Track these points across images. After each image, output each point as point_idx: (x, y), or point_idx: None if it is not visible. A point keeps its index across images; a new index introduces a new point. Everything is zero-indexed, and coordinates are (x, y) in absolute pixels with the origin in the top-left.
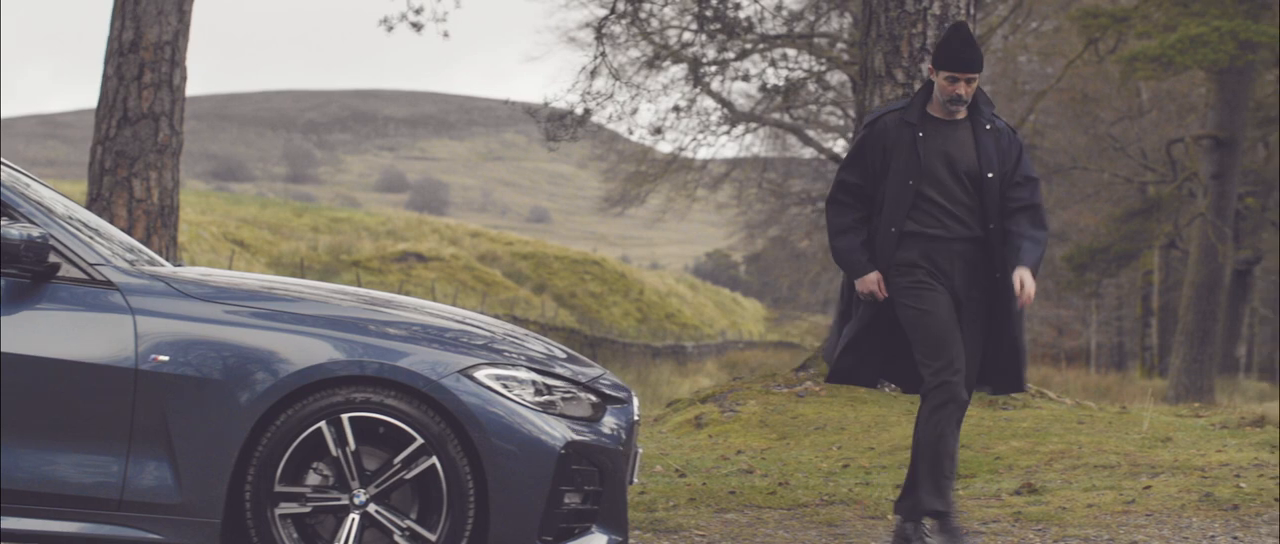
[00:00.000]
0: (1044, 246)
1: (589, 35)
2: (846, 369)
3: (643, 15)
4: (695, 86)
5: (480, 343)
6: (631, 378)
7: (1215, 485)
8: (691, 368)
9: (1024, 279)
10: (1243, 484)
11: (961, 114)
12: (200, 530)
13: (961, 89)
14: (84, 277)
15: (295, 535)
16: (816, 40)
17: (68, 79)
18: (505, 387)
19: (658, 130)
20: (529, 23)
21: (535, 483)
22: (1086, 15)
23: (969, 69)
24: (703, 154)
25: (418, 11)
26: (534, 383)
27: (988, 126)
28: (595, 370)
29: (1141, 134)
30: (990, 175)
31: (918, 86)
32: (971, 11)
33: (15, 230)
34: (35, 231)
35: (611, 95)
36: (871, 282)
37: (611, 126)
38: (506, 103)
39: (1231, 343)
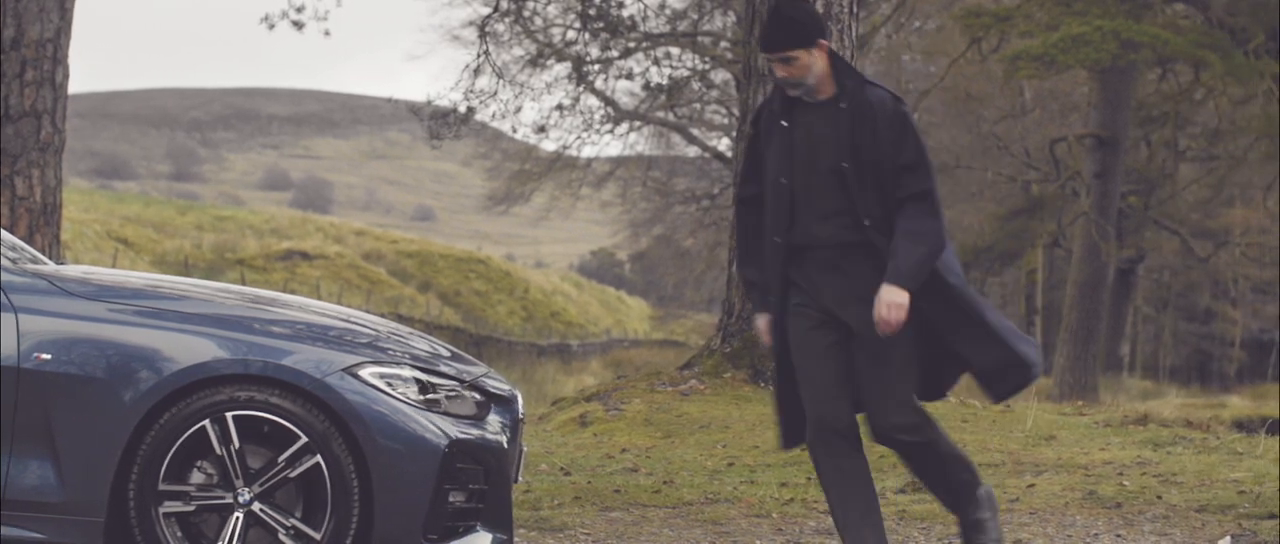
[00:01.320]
0: (929, 244)
1: (472, 33)
2: (793, 432)
3: (526, 14)
4: (579, 85)
5: (365, 341)
6: (517, 376)
7: (1099, 483)
8: (577, 366)
9: (886, 301)
10: (1126, 482)
11: (826, 93)
12: (84, 529)
13: (782, 71)
14: None
15: (179, 534)
16: (700, 39)
17: None
18: (389, 385)
19: (542, 129)
20: (412, 21)
21: (419, 481)
22: (970, 14)
23: (777, 48)
24: (587, 152)
25: (299, 10)
26: (418, 381)
27: (842, 105)
28: (480, 369)
29: (1025, 133)
30: (845, 165)
31: None
32: (854, 10)
33: None
34: None
35: (495, 94)
36: (760, 329)
37: (495, 125)
38: (390, 101)
39: (1115, 341)
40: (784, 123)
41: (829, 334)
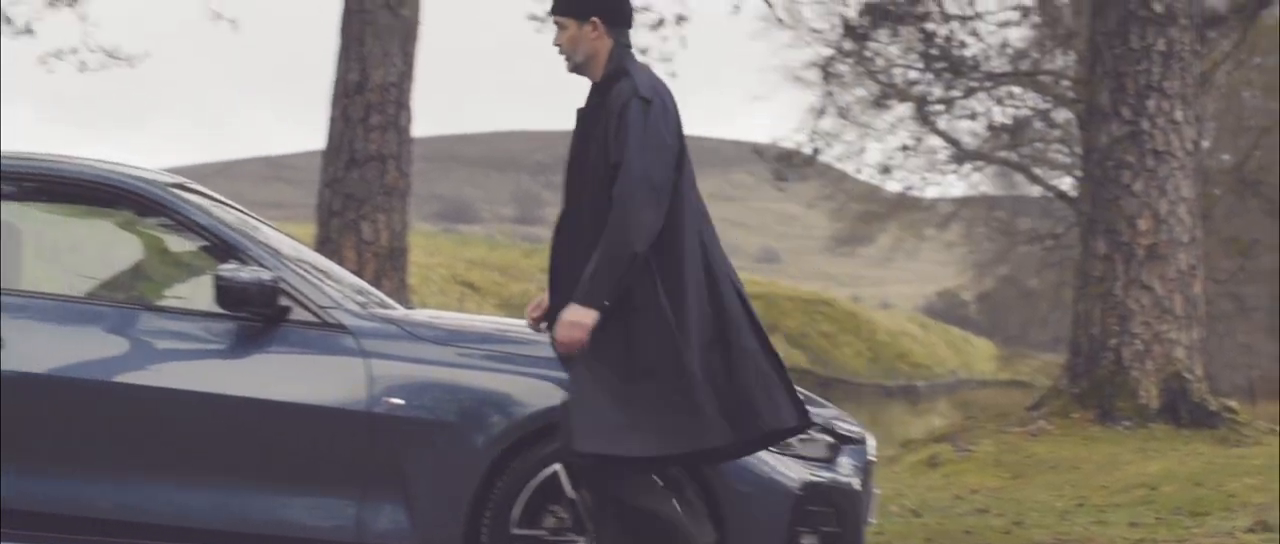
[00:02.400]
0: (610, 258)
1: (815, 74)
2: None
3: (868, 54)
4: (922, 125)
5: None
6: (865, 417)
7: None
8: (924, 407)
9: (563, 318)
10: None
11: (599, 76)
12: None
13: (556, 38)
14: (315, 320)
15: None
16: (1042, 78)
17: (292, 121)
18: None
19: (886, 169)
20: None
21: (773, 524)
22: None
23: (553, 9)
24: (931, 193)
25: (644, 52)
26: None
27: (596, 98)
28: (831, 411)
29: None
30: (577, 172)
31: (1144, 124)
32: (1197, 48)
33: (245, 274)
34: (266, 275)
35: (839, 134)
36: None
37: (839, 166)
38: (734, 143)
39: None
40: (580, 107)
41: None
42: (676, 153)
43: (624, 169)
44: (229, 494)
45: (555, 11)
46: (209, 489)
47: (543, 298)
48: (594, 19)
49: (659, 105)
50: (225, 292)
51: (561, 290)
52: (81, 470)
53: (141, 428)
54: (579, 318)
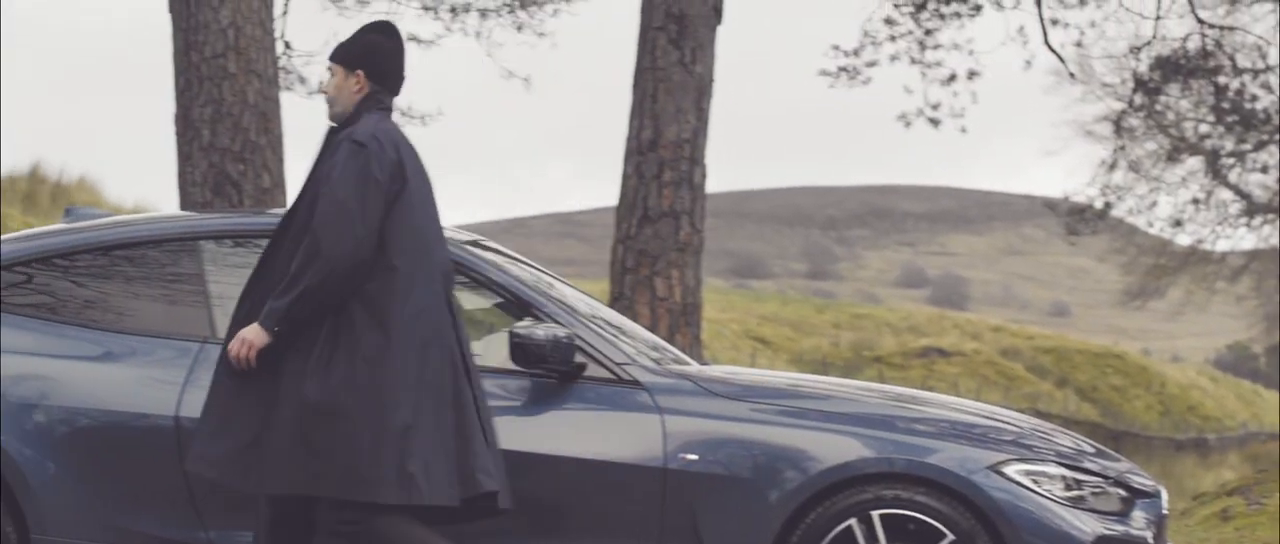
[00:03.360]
0: (292, 284)
1: (1106, 129)
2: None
3: (1159, 108)
4: (1213, 178)
5: (1009, 438)
6: (1155, 470)
7: None
8: (1214, 460)
9: (240, 334)
10: None
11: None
12: None
13: (323, 85)
14: (611, 376)
15: None
16: None
17: (585, 178)
18: (1035, 482)
19: (1177, 223)
20: (1045, 117)
21: None
22: None
23: (330, 55)
24: (1221, 246)
25: (935, 108)
26: (1063, 477)
27: (325, 145)
28: (1123, 464)
29: None
30: (292, 211)
31: None
32: None
33: (542, 331)
34: (562, 332)
35: (1130, 188)
36: None
37: (1130, 220)
38: (1027, 197)
39: None
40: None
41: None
42: (388, 193)
43: (321, 198)
44: None
45: (331, 57)
46: None
47: None
48: (360, 72)
49: (375, 147)
50: (522, 349)
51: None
52: None
53: None
54: (252, 336)
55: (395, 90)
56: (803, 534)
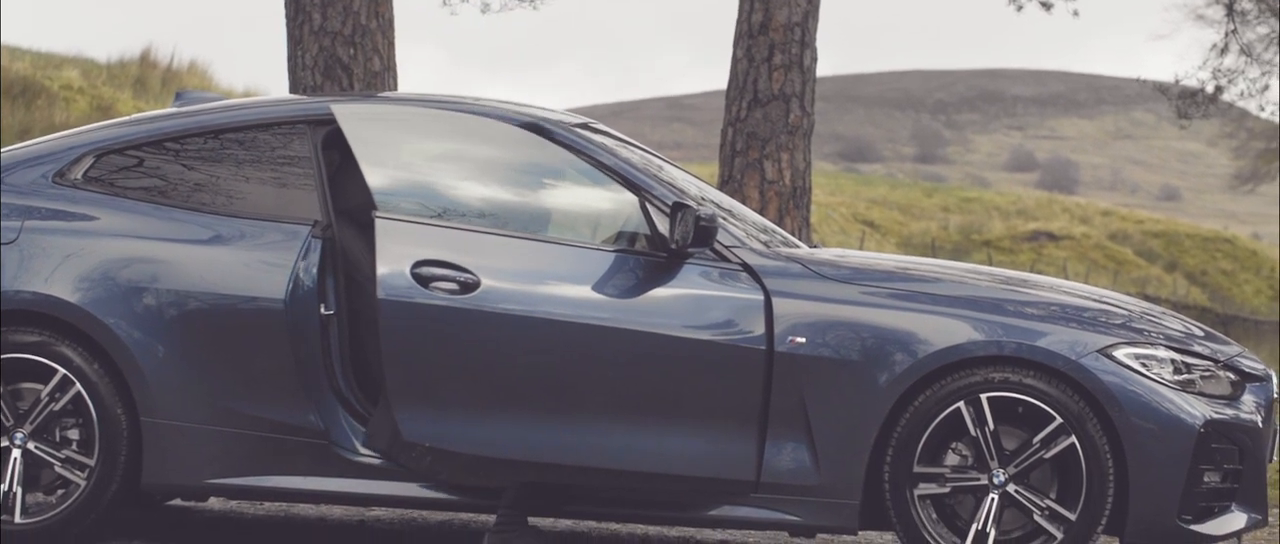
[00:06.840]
0: None
1: (1218, 12)
2: None
3: None
4: None
5: (1118, 322)
6: (1266, 355)
7: None
8: None
9: None
10: None
11: None
12: (838, 512)
13: None
14: (719, 257)
15: (934, 516)
16: None
17: (698, 62)
18: (1144, 365)
19: None
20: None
21: (1175, 462)
22: None
23: None
24: None
25: None
26: (1173, 361)
27: None
28: (1233, 348)
29: None
30: None
31: None
32: None
33: (705, 209)
34: (704, 210)
35: (1241, 72)
36: None
37: (1242, 104)
38: (1137, 81)
39: None
40: None
41: None
42: None
43: None
44: (625, 432)
45: None
46: (604, 427)
47: None
48: None
49: None
50: (706, 231)
51: None
52: (483, 409)
53: (543, 364)
54: None
55: None
56: (911, 417)
